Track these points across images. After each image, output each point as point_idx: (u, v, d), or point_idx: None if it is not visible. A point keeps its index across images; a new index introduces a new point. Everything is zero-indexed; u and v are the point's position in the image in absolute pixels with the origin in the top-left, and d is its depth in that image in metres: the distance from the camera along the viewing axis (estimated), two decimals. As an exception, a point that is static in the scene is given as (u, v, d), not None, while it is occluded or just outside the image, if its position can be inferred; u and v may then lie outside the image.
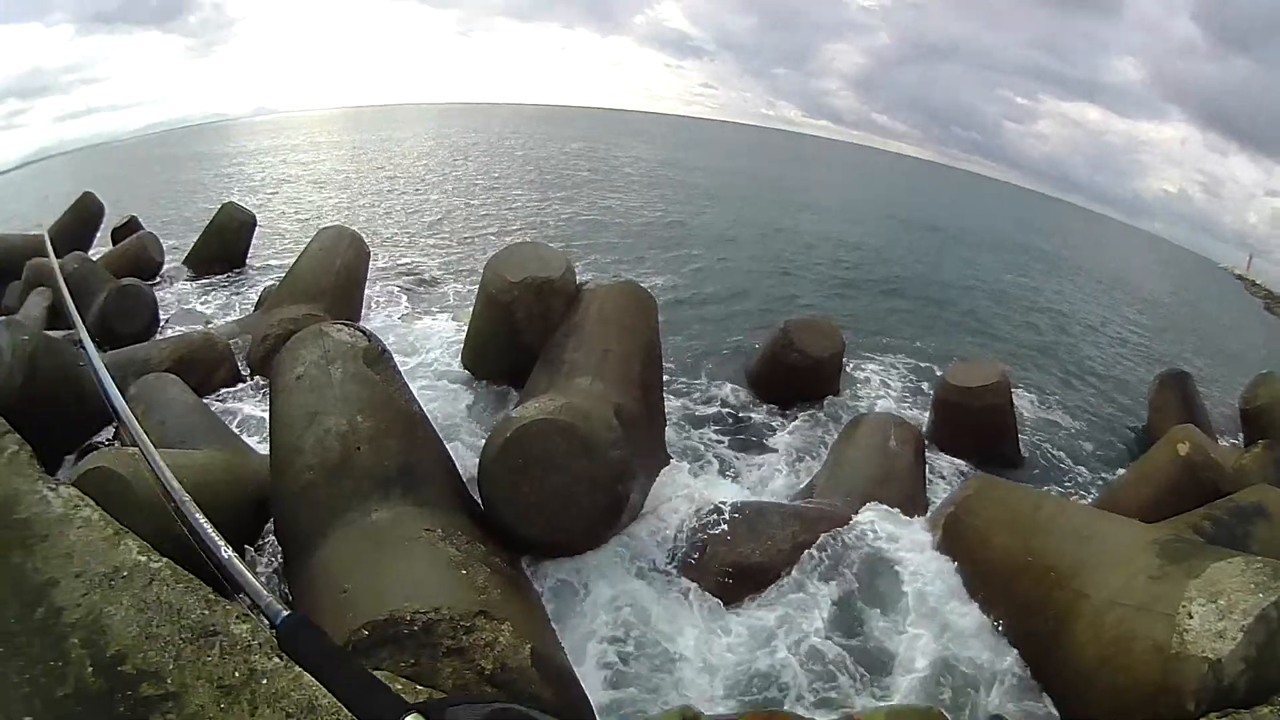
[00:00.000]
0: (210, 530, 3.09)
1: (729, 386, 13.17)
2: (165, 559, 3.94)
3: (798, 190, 55.07)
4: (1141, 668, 4.75)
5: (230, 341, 10.67)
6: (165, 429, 7.22)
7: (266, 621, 2.60)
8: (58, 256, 13.61)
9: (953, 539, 7.00)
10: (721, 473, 10.14)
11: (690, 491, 7.76)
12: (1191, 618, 4.65)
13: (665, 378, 10.26)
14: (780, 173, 71.87)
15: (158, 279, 16.54)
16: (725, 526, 6.76)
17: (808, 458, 10.72)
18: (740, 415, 12.17)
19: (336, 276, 11.82)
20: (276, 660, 3.34)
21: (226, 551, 2.83)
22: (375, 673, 1.84)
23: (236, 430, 8.51)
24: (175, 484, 3.66)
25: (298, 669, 3.28)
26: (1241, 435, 14.63)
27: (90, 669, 3.27)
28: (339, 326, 6.22)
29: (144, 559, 3.93)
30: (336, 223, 16.21)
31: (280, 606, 2.26)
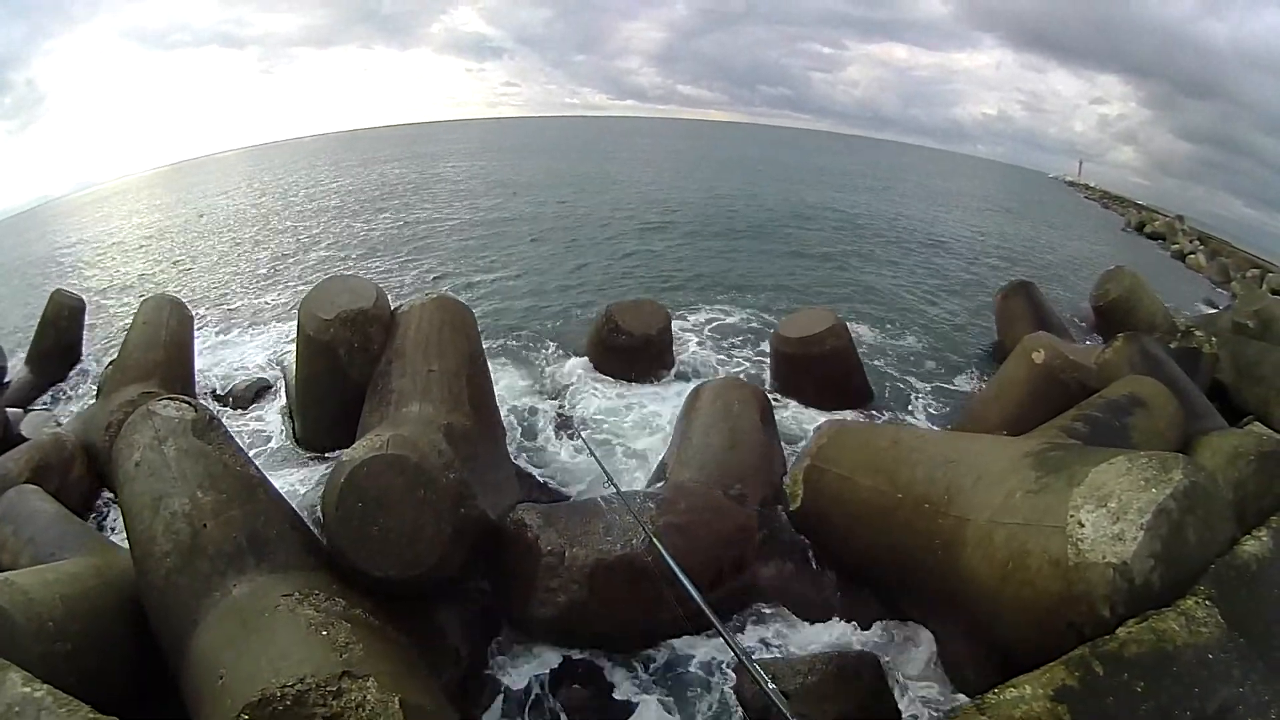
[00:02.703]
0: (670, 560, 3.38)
1: (567, 369, 13.49)
2: (47, 686, 3.95)
3: (603, 173, 55.22)
4: (1043, 582, 4.81)
5: (77, 437, 10.45)
6: (35, 545, 7.23)
7: None
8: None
9: (815, 489, 7.18)
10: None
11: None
12: (1083, 526, 4.71)
13: (497, 380, 10.46)
14: (585, 158, 71.97)
15: (5, 385, 16.23)
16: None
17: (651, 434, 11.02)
18: (580, 404, 12.28)
19: (165, 349, 11.64)
20: None
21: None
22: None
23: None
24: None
25: None
26: (1099, 335, 15.31)
27: None
28: (164, 402, 6.19)
29: (28, 690, 3.92)
30: (161, 289, 16.08)
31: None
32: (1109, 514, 4.66)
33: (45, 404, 14.80)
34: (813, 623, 6.87)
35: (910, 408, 12.68)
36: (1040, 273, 23.29)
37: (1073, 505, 4.84)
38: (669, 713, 6.16)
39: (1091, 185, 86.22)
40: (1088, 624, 4.46)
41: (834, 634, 6.74)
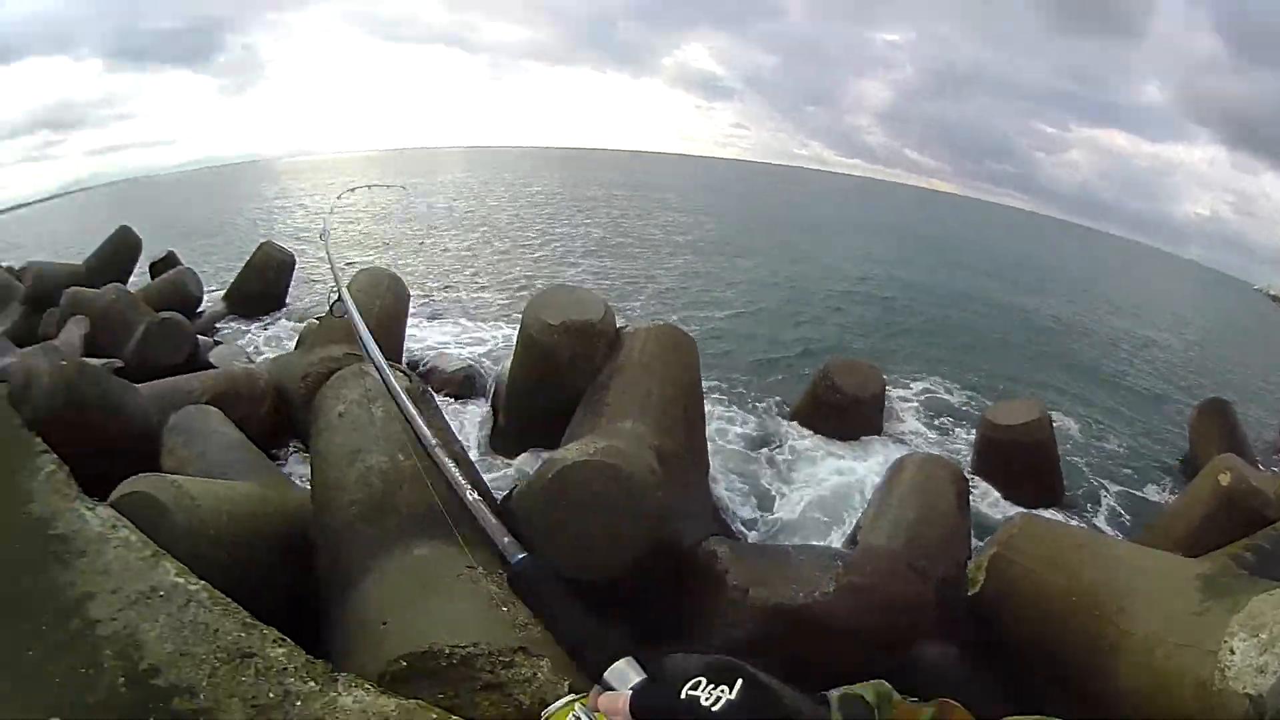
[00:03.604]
0: (456, 472, 3.15)
1: (774, 422, 13.42)
2: (203, 582, 3.94)
3: (832, 228, 55.84)
4: (1187, 703, 4.67)
5: (270, 376, 10.71)
6: (206, 460, 7.28)
7: (501, 560, 2.50)
8: (95, 288, 13.94)
9: (997, 578, 6.94)
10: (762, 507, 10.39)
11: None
12: (1233, 653, 4.55)
13: (710, 414, 10.54)
14: (814, 213, 72.38)
15: (198, 314, 16.70)
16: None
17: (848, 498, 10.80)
18: (785, 451, 12.28)
19: (378, 318, 11.62)
20: (311, 684, 3.33)
21: (471, 494, 2.84)
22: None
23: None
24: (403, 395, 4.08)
25: (333, 692, 3.30)
26: None
27: (122, 680, 3.27)
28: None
29: (182, 581, 3.93)
30: (375, 264, 16.36)
31: (517, 548, 2.27)
32: (1259, 644, 4.47)
33: (239, 342, 15.18)
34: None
35: (1099, 510, 12.39)
36: (1238, 392, 22.25)
37: (1228, 632, 4.66)
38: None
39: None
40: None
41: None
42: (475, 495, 2.82)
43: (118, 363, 11.24)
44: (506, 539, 2.37)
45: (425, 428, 3.58)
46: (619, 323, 9.63)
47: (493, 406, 11.85)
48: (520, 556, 2.15)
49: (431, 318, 18.92)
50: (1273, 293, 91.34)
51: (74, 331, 12.84)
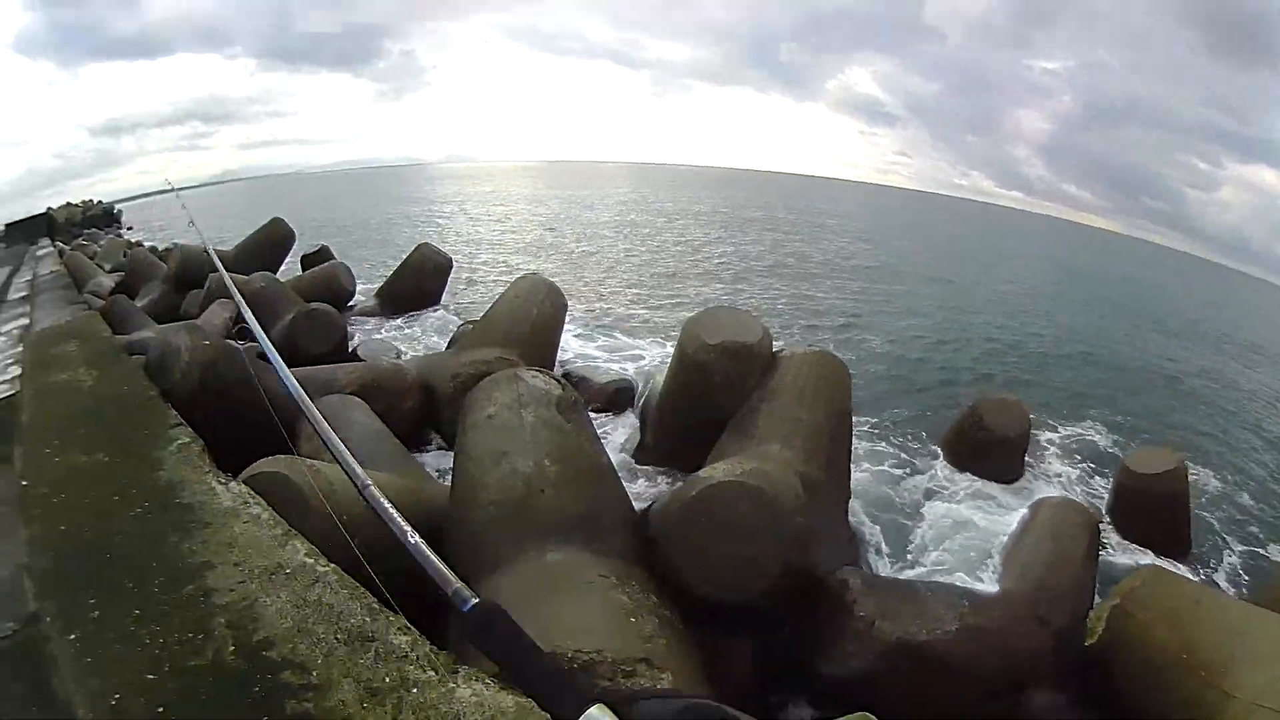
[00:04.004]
0: (397, 516, 3.26)
1: (919, 456, 13.26)
2: (333, 565, 3.96)
3: (991, 262, 54.67)
4: None
5: (418, 373, 10.90)
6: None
7: (454, 607, 2.63)
8: (245, 275, 14.45)
9: (1115, 630, 6.82)
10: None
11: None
12: None
13: (856, 443, 10.44)
14: (973, 244, 71.60)
15: (349, 307, 17.07)
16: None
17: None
18: (927, 486, 12.21)
19: (532, 324, 11.96)
20: (431, 673, 3.23)
21: (414, 537, 2.96)
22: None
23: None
24: (359, 469, 4.00)
25: (452, 684, 3.19)
26: None
27: (232, 648, 3.25)
28: (534, 372, 6.53)
29: (311, 561, 3.96)
30: (535, 270, 16.50)
31: (469, 594, 2.40)
32: None
33: (390, 338, 15.44)
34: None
35: (1221, 566, 11.86)
36: None
37: None
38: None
39: None
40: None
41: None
42: (416, 538, 3.00)
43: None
44: (456, 586, 2.48)
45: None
46: (775, 345, 9.64)
47: (641, 420, 11.84)
48: (472, 603, 2.28)
49: (589, 329, 19.32)
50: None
51: (218, 313, 13.31)
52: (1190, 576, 10.64)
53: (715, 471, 6.00)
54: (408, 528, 3.00)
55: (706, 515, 5.62)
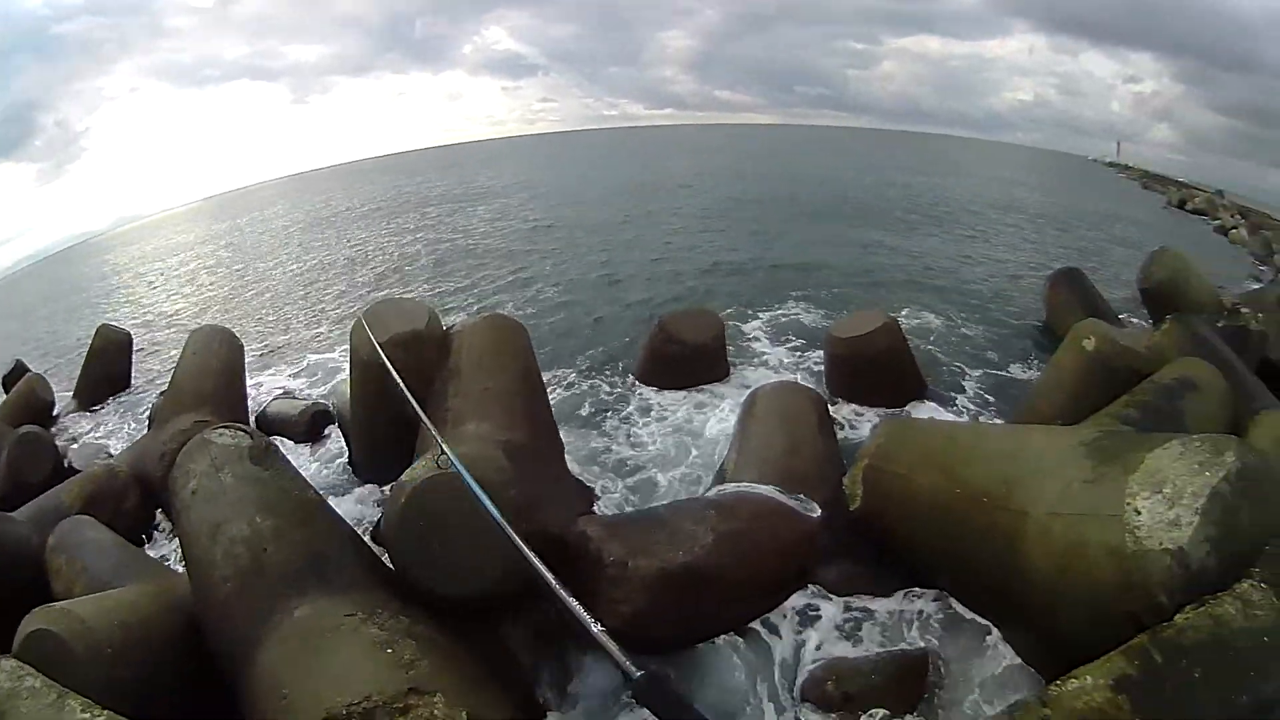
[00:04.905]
0: (571, 601, 3.39)
1: (620, 388, 13.45)
2: (106, 712, 4.05)
3: (647, 183, 54.89)
4: (1101, 572, 4.70)
5: (130, 467, 10.59)
6: (89, 574, 7.28)
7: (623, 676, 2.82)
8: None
9: (874, 489, 7.14)
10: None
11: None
12: (1139, 513, 4.60)
13: (553, 394, 10.55)
14: (628, 169, 71.73)
15: (53, 417, 16.46)
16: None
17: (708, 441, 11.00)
18: (636, 413, 12.35)
19: (216, 378, 11.74)
20: None
21: (596, 626, 3.14)
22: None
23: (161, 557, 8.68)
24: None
25: None
26: (1148, 317, 15.13)
27: None
28: (220, 430, 6.29)
29: (87, 716, 4.03)
30: (208, 320, 16.25)
31: (633, 666, 2.66)
32: (1164, 500, 4.56)
33: (96, 436, 14.97)
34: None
35: (966, 399, 12.58)
36: (1087, 258, 23.14)
37: (1129, 493, 4.72)
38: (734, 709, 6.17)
39: (1131, 165, 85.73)
40: (1146, 612, 4.36)
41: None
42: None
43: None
44: (624, 660, 2.77)
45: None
46: (446, 323, 9.68)
47: (345, 435, 11.74)
48: (640, 674, 2.66)
49: (273, 361, 18.76)
50: (1108, 160, 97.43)
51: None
52: (939, 416, 11.35)
53: (416, 471, 5.91)
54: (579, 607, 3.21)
55: (419, 518, 5.58)
